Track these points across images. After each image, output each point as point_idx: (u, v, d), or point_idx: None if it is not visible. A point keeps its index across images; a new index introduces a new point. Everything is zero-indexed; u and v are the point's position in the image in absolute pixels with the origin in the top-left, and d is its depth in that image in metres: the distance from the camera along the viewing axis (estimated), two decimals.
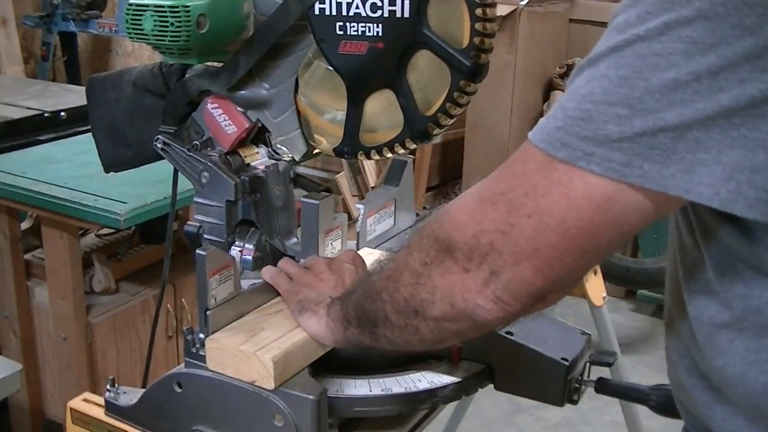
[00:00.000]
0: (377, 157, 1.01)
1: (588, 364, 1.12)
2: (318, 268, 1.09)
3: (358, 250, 1.22)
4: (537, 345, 1.07)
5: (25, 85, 3.06)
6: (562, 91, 3.81)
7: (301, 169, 1.19)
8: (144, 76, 1.15)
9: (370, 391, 1.02)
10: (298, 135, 1.07)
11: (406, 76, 0.94)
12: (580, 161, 0.68)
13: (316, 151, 1.10)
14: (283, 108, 1.07)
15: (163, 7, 1.00)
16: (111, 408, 1.09)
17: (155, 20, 1.01)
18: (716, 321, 0.76)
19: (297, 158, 1.10)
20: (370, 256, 1.20)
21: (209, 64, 1.09)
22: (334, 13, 0.95)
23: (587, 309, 1.98)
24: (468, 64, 0.90)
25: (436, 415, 1.14)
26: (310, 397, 0.94)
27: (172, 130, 1.11)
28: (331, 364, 1.04)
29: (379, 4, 0.92)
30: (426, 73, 0.93)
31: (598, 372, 1.14)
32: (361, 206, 1.26)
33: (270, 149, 1.14)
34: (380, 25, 0.92)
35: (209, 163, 1.08)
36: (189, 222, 1.12)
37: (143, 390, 1.08)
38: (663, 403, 1.05)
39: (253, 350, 0.96)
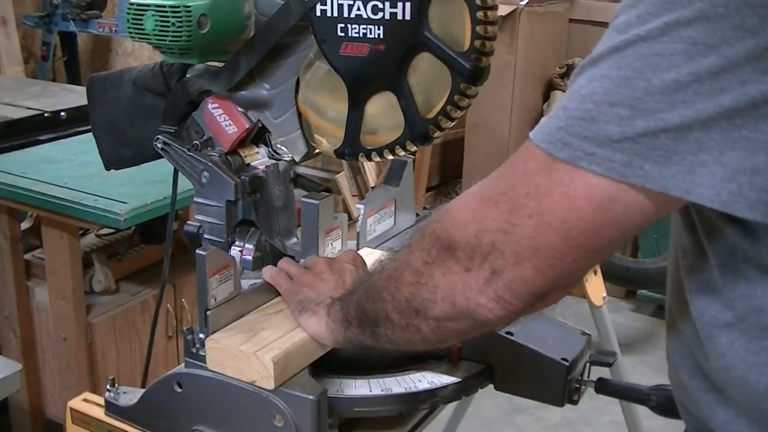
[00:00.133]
0: (378, 158, 1.01)
1: (588, 364, 1.12)
2: (318, 268, 1.09)
3: (358, 250, 1.22)
4: (537, 345, 1.07)
5: (25, 85, 3.06)
6: (562, 91, 3.81)
7: (301, 169, 1.19)
8: (144, 76, 1.15)
9: (370, 391, 1.02)
10: (299, 136, 1.07)
11: (407, 78, 0.94)
12: (582, 161, 0.68)
13: (317, 151, 1.10)
14: (284, 109, 1.07)
15: (164, 6, 1.00)
16: (111, 408, 1.09)
17: (156, 20, 1.01)
18: (718, 321, 0.76)
19: (297, 159, 1.10)
20: (371, 256, 1.20)
21: (210, 63, 1.09)
22: (335, 14, 0.95)
23: (587, 309, 1.98)
24: (469, 67, 0.90)
25: (436, 415, 1.14)
26: (310, 397, 0.94)
27: (172, 130, 1.11)
28: (331, 364, 1.04)
29: (381, 6, 0.91)
30: (427, 76, 0.93)
31: (598, 372, 1.14)
32: (361, 206, 1.26)
33: (270, 149, 1.14)
34: (381, 27, 0.92)
35: (209, 163, 1.08)
36: (189, 222, 1.12)
37: (143, 390, 1.08)
38: (663, 403, 1.05)
39: (253, 350, 0.96)
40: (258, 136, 1.13)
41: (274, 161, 1.13)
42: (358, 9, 0.93)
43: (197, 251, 0.98)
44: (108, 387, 1.11)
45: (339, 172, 3.00)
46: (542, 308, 0.80)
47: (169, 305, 2.24)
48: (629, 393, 1.14)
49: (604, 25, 0.72)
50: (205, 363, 1.00)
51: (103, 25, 3.63)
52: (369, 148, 1.00)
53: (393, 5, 0.91)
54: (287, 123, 1.07)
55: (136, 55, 4.16)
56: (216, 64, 1.08)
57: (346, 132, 1.01)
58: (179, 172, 1.13)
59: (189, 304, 2.27)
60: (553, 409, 1.30)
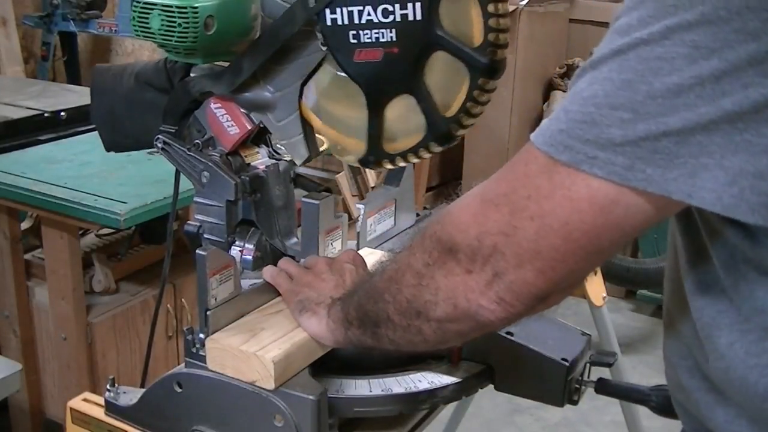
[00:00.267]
0: (403, 163, 1.00)
1: (588, 364, 1.12)
2: (318, 268, 1.09)
3: (358, 250, 1.22)
4: (537, 345, 1.07)
5: (25, 85, 3.05)
6: (563, 91, 3.82)
7: (301, 169, 1.19)
8: (147, 71, 1.14)
9: (370, 391, 1.02)
10: (301, 140, 1.06)
11: (423, 79, 0.93)
12: (583, 164, 0.68)
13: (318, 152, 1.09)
14: (287, 112, 1.05)
15: (171, 6, 0.98)
16: (111, 408, 1.09)
17: (162, 19, 0.99)
18: (718, 322, 0.76)
19: (298, 163, 1.09)
20: (371, 256, 1.20)
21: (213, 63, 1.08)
22: (346, 22, 0.93)
23: (587, 309, 1.98)
24: (485, 62, 0.89)
25: (436, 415, 1.14)
26: (310, 397, 0.94)
27: (172, 130, 1.11)
28: (331, 364, 1.04)
29: (391, 8, 0.90)
30: (443, 75, 0.92)
31: (598, 372, 1.14)
32: (361, 206, 1.26)
33: (270, 149, 1.14)
34: (393, 30, 0.91)
35: (209, 163, 1.08)
36: (189, 222, 1.12)
37: (143, 390, 1.08)
38: (663, 403, 1.05)
39: (253, 350, 0.96)
40: (258, 135, 1.13)
41: (274, 161, 1.13)
42: (369, 14, 0.92)
43: (197, 251, 0.98)
44: (108, 387, 1.11)
45: (339, 172, 3.00)
46: (544, 309, 0.81)
47: (169, 305, 2.24)
48: (629, 393, 1.14)
49: (604, 25, 0.72)
50: (205, 363, 1.00)
51: (103, 25, 3.63)
52: (393, 153, 0.99)
53: (403, 6, 0.90)
54: (290, 127, 1.06)
55: (136, 56, 4.16)
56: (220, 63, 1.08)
57: (368, 140, 0.99)
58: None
59: (189, 304, 2.27)
60: (553, 409, 1.30)
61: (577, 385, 1.10)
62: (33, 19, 3.73)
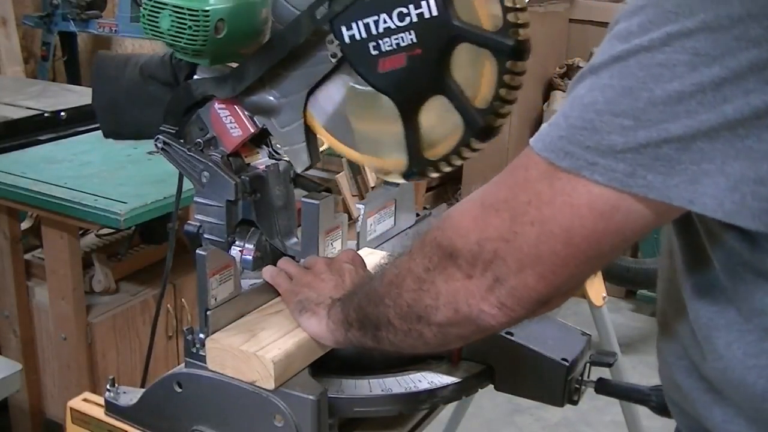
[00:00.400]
0: (447, 168, 0.96)
1: (588, 364, 1.12)
2: (318, 268, 1.09)
3: (358, 250, 1.22)
4: (537, 345, 1.07)
5: (25, 85, 3.05)
6: (562, 91, 3.82)
7: None
8: (152, 64, 1.13)
9: (370, 391, 1.02)
10: (303, 148, 1.05)
11: (451, 75, 0.91)
12: (584, 171, 0.68)
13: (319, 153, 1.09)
14: (291, 119, 1.04)
15: (182, 8, 0.97)
16: (111, 408, 1.09)
17: (173, 20, 0.98)
18: (716, 323, 0.76)
19: (299, 170, 1.07)
20: (370, 256, 1.20)
21: None
22: (364, 35, 0.92)
23: (587, 309, 1.98)
24: (510, 44, 0.86)
25: (436, 415, 1.14)
26: (310, 397, 0.94)
27: (172, 131, 1.11)
28: (331, 364, 1.04)
29: (406, 11, 0.89)
30: (470, 67, 0.90)
31: (598, 372, 1.14)
32: (361, 206, 1.26)
33: (270, 149, 1.14)
34: (412, 32, 0.89)
35: (210, 163, 1.08)
36: (189, 222, 1.12)
37: (143, 390, 1.08)
38: (663, 403, 1.05)
39: (253, 350, 0.96)
40: (259, 136, 1.12)
41: (274, 161, 1.13)
42: (385, 21, 0.90)
43: (197, 251, 0.98)
44: (108, 387, 1.11)
45: (339, 172, 2.99)
46: (544, 313, 0.81)
47: (169, 305, 2.24)
48: (629, 393, 1.14)
49: (604, 25, 0.72)
50: (205, 363, 1.00)
51: (103, 25, 3.63)
52: (434, 159, 0.96)
53: (417, 6, 0.88)
54: (293, 133, 1.05)
55: None
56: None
57: (408, 152, 0.96)
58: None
59: (189, 304, 2.27)
60: (553, 409, 1.30)
61: (577, 385, 1.10)
62: (33, 19, 3.73)
